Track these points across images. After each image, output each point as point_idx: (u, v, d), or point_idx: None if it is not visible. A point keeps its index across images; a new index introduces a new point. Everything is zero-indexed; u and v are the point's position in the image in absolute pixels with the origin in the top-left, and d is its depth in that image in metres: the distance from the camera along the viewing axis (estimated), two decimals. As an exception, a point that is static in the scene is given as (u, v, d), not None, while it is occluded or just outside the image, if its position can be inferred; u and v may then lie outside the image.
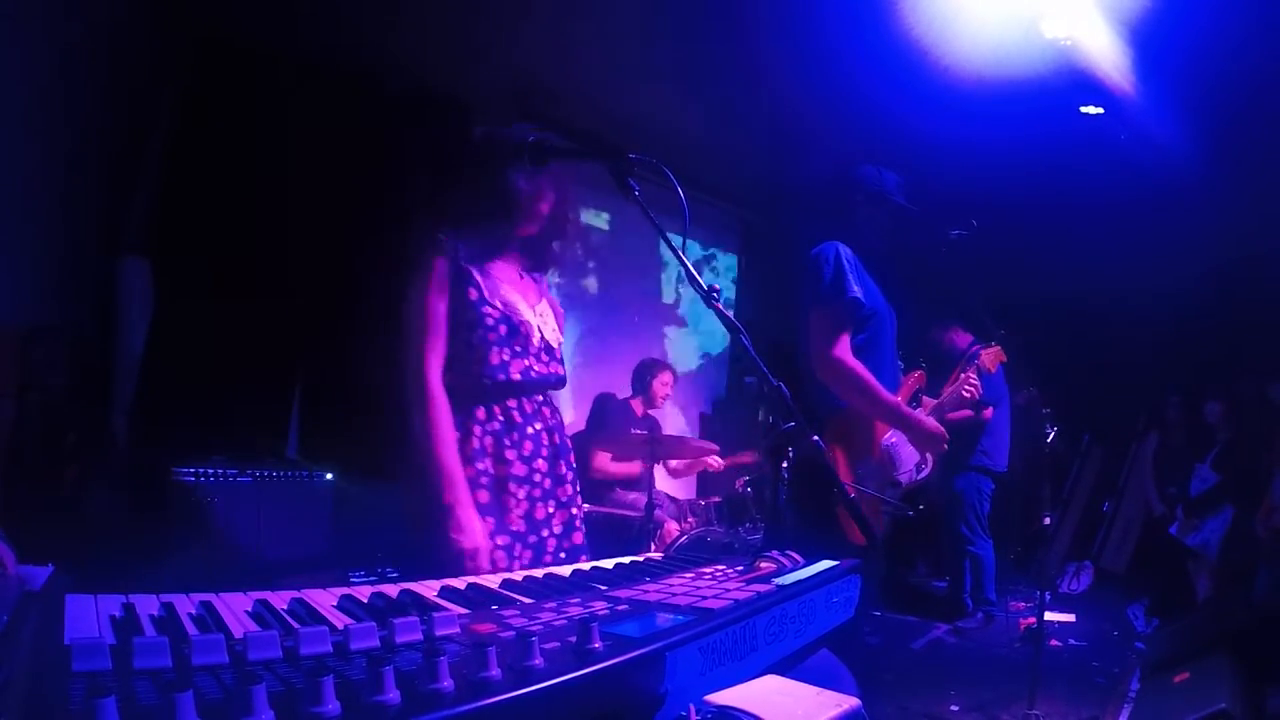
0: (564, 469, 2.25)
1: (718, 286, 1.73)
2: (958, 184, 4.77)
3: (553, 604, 1.11)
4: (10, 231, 3.09)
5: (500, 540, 2.06)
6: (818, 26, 4.24)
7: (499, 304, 2.16)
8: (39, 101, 3.15)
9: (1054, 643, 5.09)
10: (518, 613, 1.06)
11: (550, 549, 2.18)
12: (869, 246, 2.99)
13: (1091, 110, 5.03)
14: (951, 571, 5.87)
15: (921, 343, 5.48)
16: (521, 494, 2.13)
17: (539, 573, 1.40)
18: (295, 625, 0.99)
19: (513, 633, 0.94)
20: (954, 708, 3.93)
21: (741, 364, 6.97)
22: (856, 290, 2.80)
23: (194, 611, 1.03)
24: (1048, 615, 4.47)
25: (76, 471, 3.44)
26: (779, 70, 4.67)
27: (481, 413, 2.12)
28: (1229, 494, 5.63)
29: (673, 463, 5.37)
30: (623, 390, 5.59)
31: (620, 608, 1.10)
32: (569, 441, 2.31)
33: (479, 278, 2.16)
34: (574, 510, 2.26)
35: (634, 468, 5.07)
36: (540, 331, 2.23)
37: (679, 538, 4.53)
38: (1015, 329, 4.07)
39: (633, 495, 5.02)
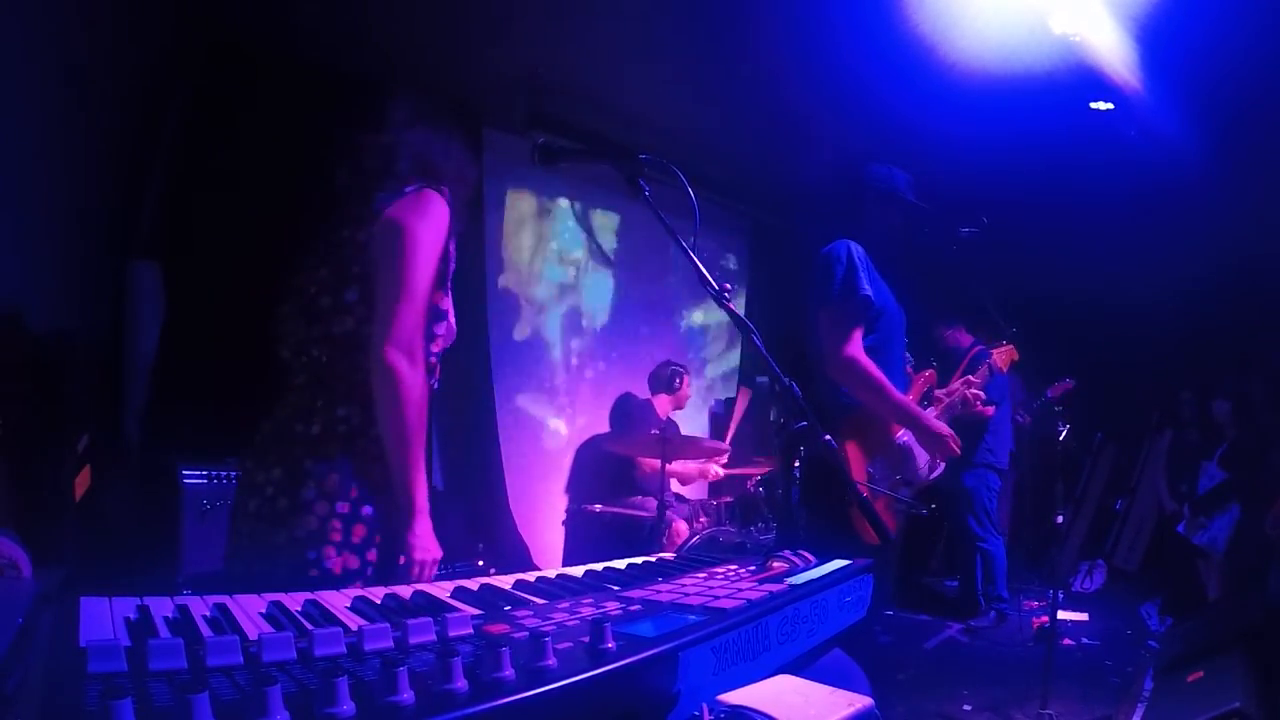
0: None
1: (729, 285, 1.72)
2: (967, 181, 4.75)
3: (566, 604, 1.12)
4: (22, 237, 3.10)
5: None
6: (824, 24, 4.22)
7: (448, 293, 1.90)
8: (48, 106, 3.16)
9: (1067, 642, 5.06)
10: (531, 613, 1.07)
11: None
12: (879, 245, 2.98)
13: (1101, 106, 5.00)
14: (963, 568, 5.87)
15: (928, 342, 5.48)
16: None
17: (551, 573, 1.40)
18: (309, 627, 0.99)
19: (526, 633, 0.94)
20: (966, 707, 3.91)
21: (753, 363, 6.96)
22: (868, 289, 2.79)
23: (208, 613, 1.03)
24: (1060, 614, 4.45)
25: (89, 475, 3.45)
26: (786, 68, 4.66)
27: None
28: (1236, 492, 5.60)
29: (681, 473, 5.37)
30: (638, 391, 5.60)
31: (633, 608, 1.10)
32: None
33: (454, 249, 1.88)
34: None
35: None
36: None
37: (690, 538, 4.53)
38: (1026, 326, 4.06)
39: (644, 496, 5.01)
